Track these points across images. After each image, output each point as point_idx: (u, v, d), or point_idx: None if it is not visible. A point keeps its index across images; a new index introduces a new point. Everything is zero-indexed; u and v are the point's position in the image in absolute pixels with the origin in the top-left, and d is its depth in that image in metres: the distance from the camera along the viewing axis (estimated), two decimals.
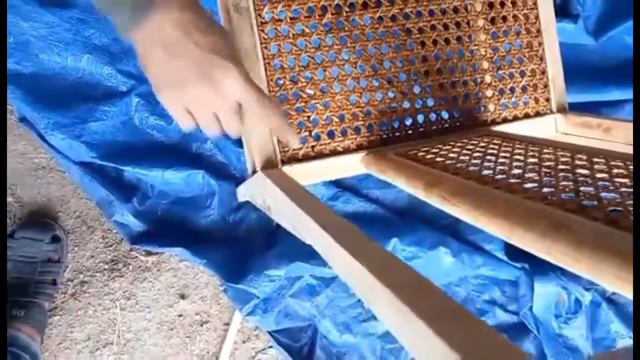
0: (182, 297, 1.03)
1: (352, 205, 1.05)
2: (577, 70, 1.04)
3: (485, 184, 0.53)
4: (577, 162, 0.55)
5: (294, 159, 0.71)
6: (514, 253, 1.08)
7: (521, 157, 0.59)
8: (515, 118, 0.80)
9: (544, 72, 0.81)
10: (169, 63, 0.53)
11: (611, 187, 0.47)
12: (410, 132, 0.75)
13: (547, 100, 0.81)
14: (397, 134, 0.75)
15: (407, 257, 1.02)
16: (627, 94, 1.06)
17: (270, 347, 1.06)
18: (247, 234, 1.04)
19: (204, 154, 1.03)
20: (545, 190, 0.49)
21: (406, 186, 0.62)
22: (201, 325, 1.04)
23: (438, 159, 0.63)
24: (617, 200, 0.44)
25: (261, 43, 0.69)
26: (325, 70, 0.72)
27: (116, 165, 0.97)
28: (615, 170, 0.51)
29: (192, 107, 0.56)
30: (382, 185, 1.05)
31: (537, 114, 0.81)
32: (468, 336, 0.31)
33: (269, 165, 0.69)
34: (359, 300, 1.05)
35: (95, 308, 1.00)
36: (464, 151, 0.65)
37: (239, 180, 1.00)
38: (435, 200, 0.57)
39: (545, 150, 0.61)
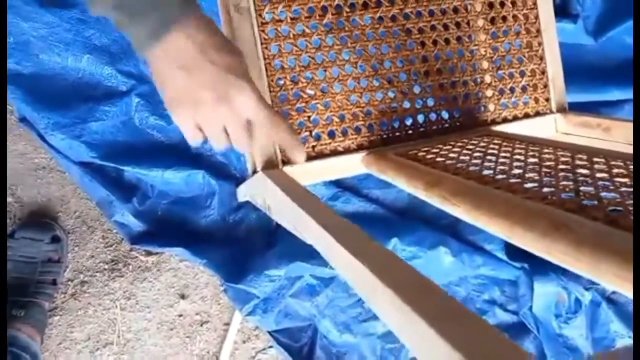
0: (182, 297, 1.03)
1: (352, 205, 1.05)
2: (577, 70, 1.04)
3: (486, 184, 0.53)
4: (577, 162, 0.55)
5: None
6: (514, 253, 1.08)
7: (521, 157, 0.59)
8: (515, 118, 0.80)
9: (543, 72, 0.81)
10: (185, 81, 0.54)
11: (611, 187, 0.47)
12: (410, 132, 0.75)
13: (547, 100, 0.81)
14: (398, 134, 0.75)
15: (407, 256, 1.02)
16: (627, 94, 1.06)
17: (271, 347, 1.06)
18: (247, 234, 1.04)
19: (204, 154, 1.03)
20: (545, 190, 0.49)
21: (406, 186, 0.62)
22: (201, 325, 1.04)
23: (438, 159, 0.63)
24: (617, 200, 0.44)
25: (262, 43, 0.69)
26: (325, 71, 0.72)
27: (116, 165, 0.97)
28: (615, 170, 0.52)
29: (203, 123, 0.57)
30: (382, 185, 1.05)
31: (537, 114, 0.81)
32: (470, 336, 0.31)
33: (270, 165, 0.69)
34: (359, 300, 1.05)
35: (95, 308, 1.00)
36: (464, 151, 0.65)
37: (239, 180, 1.00)
38: (435, 200, 0.57)
39: (546, 150, 0.61)
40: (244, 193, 0.91)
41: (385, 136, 0.74)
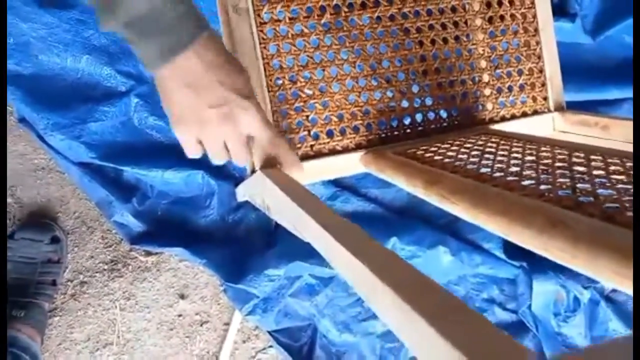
0: (182, 297, 1.03)
1: (351, 204, 1.05)
2: (575, 70, 1.05)
3: (484, 182, 0.53)
4: (574, 159, 0.56)
5: None
6: (513, 252, 1.08)
7: (519, 155, 0.60)
8: (513, 117, 0.80)
9: (541, 71, 0.81)
10: (192, 100, 0.54)
11: (608, 184, 0.48)
12: (409, 131, 0.75)
13: (545, 98, 0.81)
14: (396, 133, 0.75)
15: (406, 256, 1.02)
16: (625, 93, 1.06)
17: (270, 346, 1.06)
18: (246, 234, 1.04)
19: (204, 155, 1.03)
20: (542, 187, 0.49)
21: (405, 185, 0.62)
22: (201, 325, 1.04)
23: (437, 158, 0.63)
24: (614, 197, 0.44)
25: (260, 43, 0.69)
26: (324, 70, 0.72)
27: (115, 165, 0.97)
28: (612, 168, 0.52)
29: (206, 140, 0.58)
30: (381, 184, 1.06)
31: (535, 113, 0.81)
32: (470, 334, 0.31)
33: (268, 165, 0.69)
34: (359, 300, 1.05)
35: (95, 308, 1.00)
36: (463, 149, 0.65)
37: (238, 180, 1.00)
38: (434, 199, 0.57)
39: (543, 148, 0.61)
40: (243, 193, 0.91)
41: (383, 135, 0.74)
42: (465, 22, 0.78)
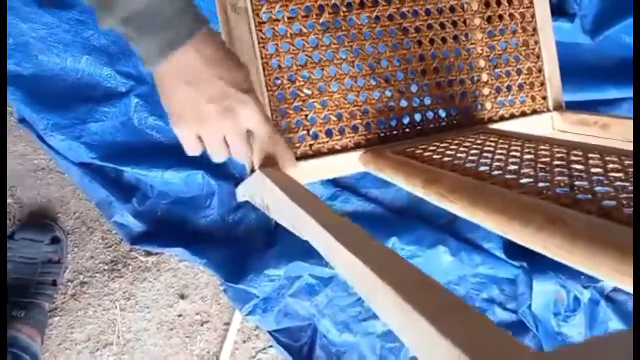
0: (182, 297, 1.03)
1: (351, 204, 1.05)
2: (574, 69, 1.05)
3: (482, 180, 0.54)
4: (573, 157, 0.56)
5: None
6: (513, 251, 1.08)
7: (517, 154, 0.60)
8: (512, 116, 0.80)
9: (540, 70, 0.81)
10: (191, 95, 0.54)
11: (605, 182, 0.48)
12: (407, 130, 0.76)
13: (544, 98, 0.81)
14: (395, 132, 0.75)
15: (406, 255, 1.02)
16: (625, 93, 1.06)
17: (271, 346, 1.06)
18: (246, 234, 1.04)
19: (204, 154, 1.03)
20: (540, 185, 0.49)
21: (404, 184, 0.62)
22: (201, 325, 1.04)
23: (435, 157, 0.63)
24: (611, 194, 0.44)
25: (259, 43, 0.69)
26: (323, 70, 0.72)
27: (116, 165, 0.97)
28: (610, 165, 0.52)
29: (205, 136, 0.58)
30: (381, 184, 1.06)
31: (534, 112, 0.81)
32: (470, 332, 0.31)
33: (268, 164, 0.69)
34: (358, 300, 1.05)
35: (95, 308, 1.00)
36: (461, 148, 0.65)
37: (238, 180, 1.01)
38: (433, 197, 0.57)
39: (542, 147, 0.61)
40: (243, 193, 0.91)
41: (382, 135, 0.75)
42: (464, 22, 0.78)
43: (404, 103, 0.76)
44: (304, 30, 0.71)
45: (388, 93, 0.75)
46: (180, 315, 1.03)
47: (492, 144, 0.65)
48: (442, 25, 0.77)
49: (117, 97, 0.98)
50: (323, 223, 0.49)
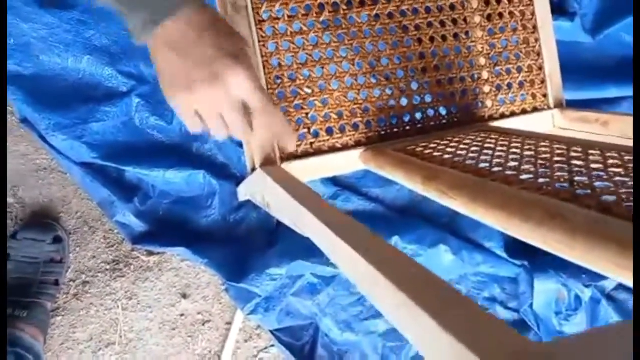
0: (184, 296, 1.04)
1: (352, 204, 1.05)
2: (575, 68, 1.05)
3: (482, 177, 0.54)
4: (573, 154, 0.56)
5: (293, 156, 0.71)
6: (514, 250, 1.08)
7: (518, 150, 0.60)
8: (513, 114, 0.80)
9: (540, 68, 0.81)
10: (179, 63, 0.54)
11: (605, 177, 0.48)
12: (408, 128, 0.76)
13: (545, 96, 0.82)
14: (395, 130, 0.75)
15: (407, 255, 1.02)
16: (625, 92, 1.06)
17: (272, 346, 1.06)
18: (248, 233, 1.04)
19: (205, 154, 1.03)
20: (540, 180, 0.50)
21: (404, 181, 0.62)
22: (203, 325, 1.04)
23: (436, 154, 0.63)
24: (611, 189, 0.45)
25: (259, 41, 0.70)
26: (323, 68, 0.72)
27: (117, 165, 0.98)
28: (610, 161, 0.52)
29: (200, 109, 0.57)
30: (382, 184, 1.06)
31: (535, 110, 0.81)
32: (473, 327, 0.31)
33: (268, 163, 0.70)
34: (360, 299, 1.05)
35: (97, 308, 1.00)
36: (462, 146, 0.65)
37: (239, 180, 1.01)
38: (433, 194, 0.57)
39: (542, 144, 0.61)
40: (244, 192, 0.91)
41: (383, 133, 0.75)
42: (464, 20, 0.78)
43: (404, 101, 0.76)
44: (304, 28, 0.72)
45: (389, 91, 0.75)
46: (182, 315, 1.03)
47: (493, 141, 0.66)
48: (443, 23, 0.77)
49: (119, 97, 0.98)
50: (325, 220, 0.49)
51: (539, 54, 0.81)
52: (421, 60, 0.76)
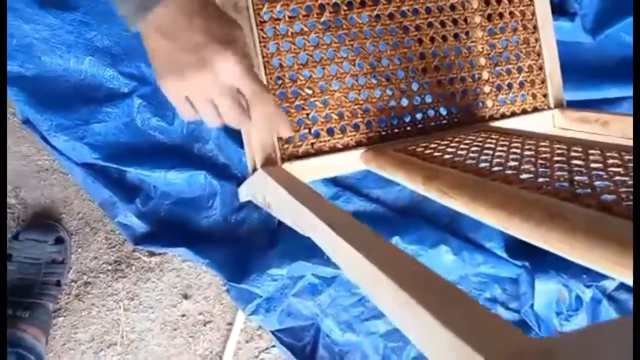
0: (185, 297, 1.04)
1: (352, 204, 1.05)
2: (575, 68, 1.05)
3: (483, 176, 0.54)
4: (573, 153, 0.56)
5: (293, 156, 0.71)
6: (515, 251, 1.08)
7: (518, 150, 0.60)
8: (513, 114, 0.80)
9: (541, 68, 0.81)
10: (168, 48, 0.53)
11: (605, 176, 0.48)
12: (408, 128, 0.76)
13: (545, 96, 0.82)
14: (396, 130, 0.76)
15: None
16: (625, 92, 1.06)
17: (273, 346, 1.06)
18: (249, 234, 1.04)
19: (206, 154, 1.04)
20: (540, 180, 0.50)
21: (405, 181, 0.62)
22: (204, 325, 1.04)
23: (436, 154, 0.64)
24: (611, 188, 0.45)
25: (260, 42, 0.70)
26: (324, 68, 0.73)
27: (119, 166, 0.98)
28: (610, 161, 0.52)
29: (190, 95, 0.57)
30: (383, 184, 1.06)
31: (535, 110, 0.81)
32: (473, 323, 0.31)
33: (269, 163, 0.70)
34: (361, 299, 1.06)
35: (99, 309, 1.01)
36: (462, 146, 0.65)
37: (240, 180, 1.01)
38: (434, 194, 0.58)
39: (542, 143, 0.61)
40: (245, 193, 0.92)
41: (383, 133, 0.75)
42: (465, 20, 0.78)
43: (405, 101, 0.76)
44: (305, 29, 0.72)
45: (389, 91, 0.75)
46: (183, 316, 1.03)
47: (493, 141, 0.66)
48: (443, 24, 0.77)
49: (120, 98, 0.98)
50: (326, 219, 0.49)
51: (539, 54, 0.81)
52: (421, 60, 0.76)
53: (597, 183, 0.47)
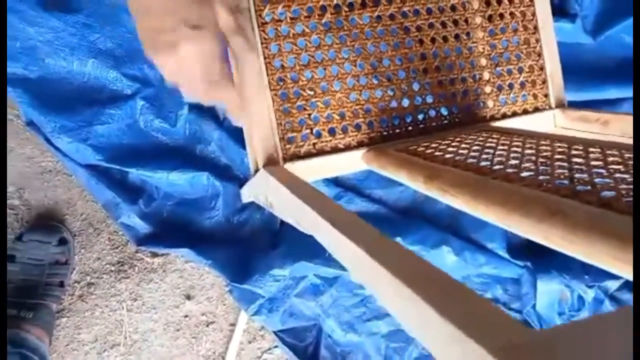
0: (188, 297, 1.04)
1: (354, 205, 1.06)
2: (576, 69, 1.05)
3: (484, 175, 0.54)
4: (573, 152, 0.56)
5: (295, 156, 0.72)
6: (517, 251, 1.08)
7: (519, 149, 0.60)
8: (514, 114, 0.81)
9: (542, 69, 0.82)
10: (147, 26, 0.56)
11: (605, 174, 0.48)
12: (410, 128, 0.76)
13: (546, 96, 0.82)
14: (397, 130, 0.76)
15: None
16: (625, 93, 1.07)
17: (276, 346, 1.06)
18: (251, 235, 1.05)
19: (208, 155, 1.04)
20: (541, 178, 0.50)
21: (407, 180, 0.63)
22: (207, 326, 1.05)
23: (437, 153, 0.64)
24: (611, 185, 0.45)
25: (262, 43, 0.70)
26: (325, 69, 0.73)
27: (122, 167, 0.98)
28: (611, 159, 0.52)
29: (164, 72, 0.58)
30: (385, 185, 1.06)
31: (536, 110, 0.82)
32: (474, 316, 0.31)
33: (271, 163, 0.70)
34: (363, 300, 1.06)
35: (102, 309, 1.01)
36: (463, 145, 0.66)
37: (242, 181, 1.01)
38: (435, 193, 0.58)
39: (543, 142, 0.62)
40: (247, 194, 0.92)
41: (385, 133, 0.75)
42: (465, 21, 0.79)
43: (406, 102, 0.76)
44: (307, 30, 0.72)
45: (390, 92, 0.76)
46: (186, 316, 1.04)
47: (494, 140, 0.66)
48: (444, 24, 0.78)
49: (123, 99, 0.99)
50: (328, 217, 0.49)
51: (539, 55, 0.81)
52: (422, 61, 0.77)
53: (597, 180, 0.47)
